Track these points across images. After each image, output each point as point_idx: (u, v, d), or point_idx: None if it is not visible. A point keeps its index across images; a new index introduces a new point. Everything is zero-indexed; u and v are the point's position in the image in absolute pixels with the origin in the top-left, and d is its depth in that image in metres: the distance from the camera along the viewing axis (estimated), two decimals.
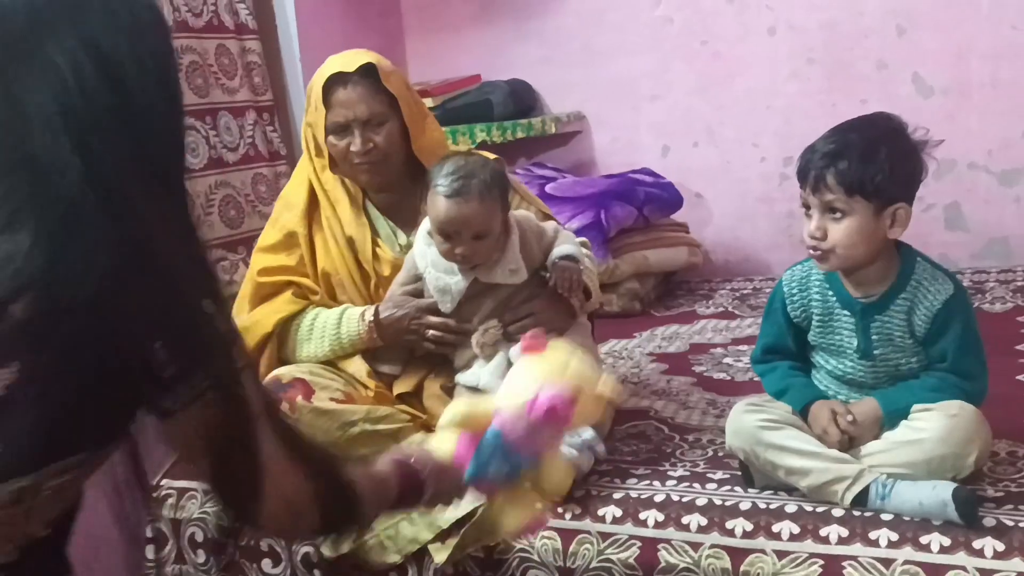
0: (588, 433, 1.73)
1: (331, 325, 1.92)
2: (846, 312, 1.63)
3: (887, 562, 1.46)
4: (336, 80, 1.87)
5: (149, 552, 1.99)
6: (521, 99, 3.24)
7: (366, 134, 1.88)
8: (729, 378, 2.28)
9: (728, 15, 3.19)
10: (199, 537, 1.95)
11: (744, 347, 2.46)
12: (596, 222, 2.70)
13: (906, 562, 1.45)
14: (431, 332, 1.86)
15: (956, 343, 1.57)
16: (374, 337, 1.89)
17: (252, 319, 1.93)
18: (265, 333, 1.92)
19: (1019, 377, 2.10)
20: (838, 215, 1.54)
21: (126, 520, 2.26)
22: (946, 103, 2.98)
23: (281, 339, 1.95)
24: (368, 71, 1.89)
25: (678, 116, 3.29)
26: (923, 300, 1.58)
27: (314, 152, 1.97)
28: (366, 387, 1.89)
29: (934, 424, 1.52)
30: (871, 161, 1.51)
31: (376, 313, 1.89)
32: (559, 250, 1.87)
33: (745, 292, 3.06)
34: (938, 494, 1.48)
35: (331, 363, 1.94)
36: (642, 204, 2.92)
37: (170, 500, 1.99)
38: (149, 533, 1.99)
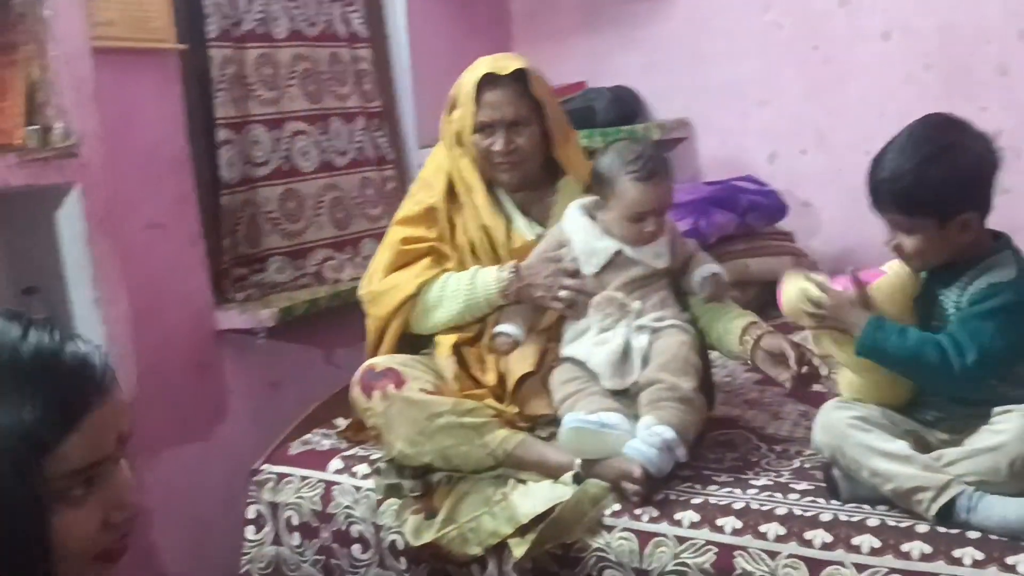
0: (669, 433, 1.73)
1: (464, 283, 1.98)
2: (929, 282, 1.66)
3: None
4: (487, 81, 1.98)
5: (249, 533, 2.09)
6: (625, 105, 3.24)
7: (509, 135, 1.98)
8: (826, 391, 2.23)
9: (840, 19, 3.12)
10: (294, 520, 2.04)
11: None
12: (694, 229, 2.68)
13: None
14: (563, 292, 1.90)
15: (975, 316, 1.54)
16: (510, 290, 1.94)
17: (390, 283, 2.01)
18: (407, 295, 1.99)
19: None
20: (906, 231, 1.58)
21: (235, 504, 2.38)
22: None
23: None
24: (518, 76, 1.99)
25: (786, 122, 3.23)
26: (979, 279, 1.57)
27: (453, 143, 2.07)
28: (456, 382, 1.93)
29: (1014, 424, 1.48)
30: (925, 182, 1.53)
31: (516, 267, 1.95)
32: (712, 267, 1.98)
33: None
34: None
35: (422, 359, 2.00)
36: (744, 212, 2.88)
37: (269, 484, 2.09)
38: (250, 515, 2.09)
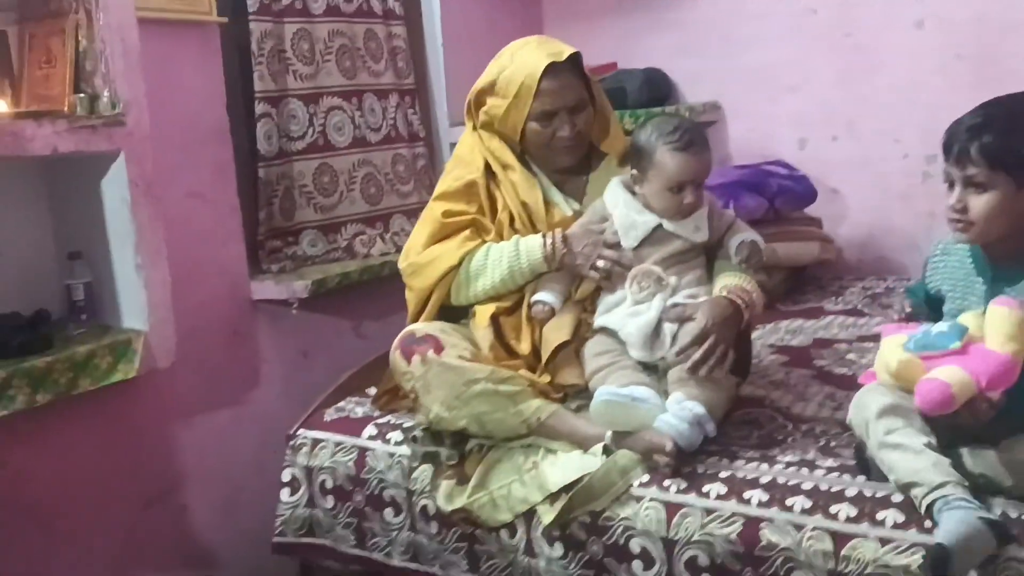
0: (699, 408, 1.77)
1: (508, 250, 2.00)
2: (979, 279, 1.64)
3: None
4: (549, 70, 1.98)
5: (284, 495, 2.14)
6: (656, 87, 3.26)
7: (573, 120, 2.00)
8: (851, 373, 2.26)
9: (874, 7, 3.12)
10: (328, 484, 2.09)
11: (870, 344, 2.42)
12: None
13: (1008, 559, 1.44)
14: (601, 262, 1.93)
15: None
16: (554, 255, 1.97)
17: (433, 254, 2.04)
18: (450, 266, 2.02)
19: None
20: (980, 189, 1.54)
21: (265, 468, 2.43)
22: None
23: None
24: (575, 60, 2.02)
25: (817, 108, 3.24)
26: None
27: (479, 127, 2.10)
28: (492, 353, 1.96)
29: None
30: (1016, 135, 1.51)
31: (562, 234, 1.98)
32: (748, 234, 1.97)
33: (877, 291, 3.00)
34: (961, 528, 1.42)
35: (459, 328, 2.03)
36: (774, 196, 2.90)
37: (304, 448, 2.14)
38: (285, 478, 2.14)
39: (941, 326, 1.56)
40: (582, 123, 2.03)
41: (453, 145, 3.08)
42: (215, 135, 2.43)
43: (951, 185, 1.59)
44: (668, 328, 1.87)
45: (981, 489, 1.55)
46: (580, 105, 2.02)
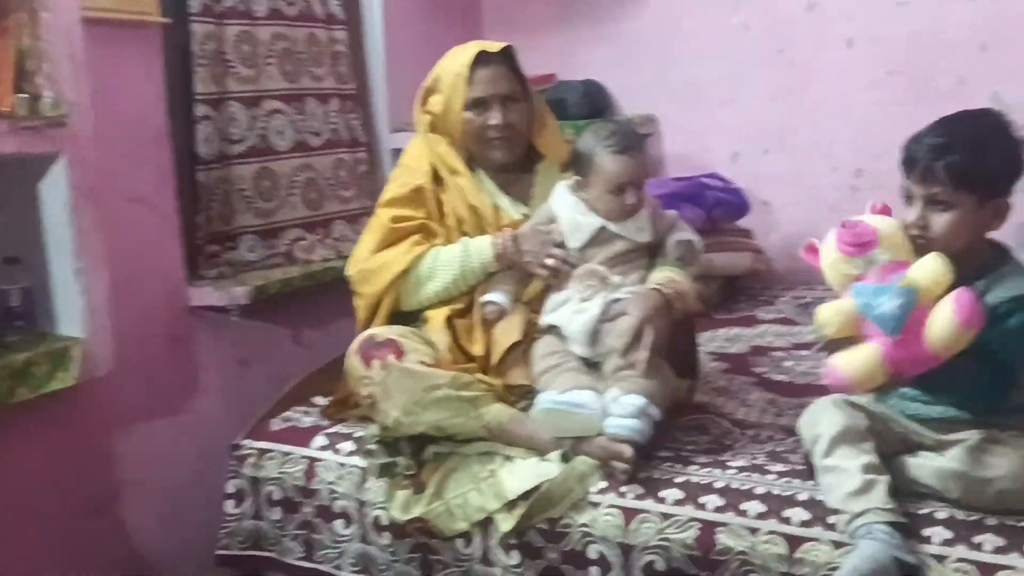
0: (639, 399, 1.79)
1: (458, 251, 2.02)
2: None
3: (940, 558, 1.51)
4: (479, 59, 2.03)
5: (228, 507, 2.09)
6: (595, 100, 3.31)
7: (504, 110, 2.02)
8: (789, 380, 2.33)
9: (806, 24, 3.22)
10: (276, 495, 2.05)
11: (805, 352, 2.50)
12: None
13: (959, 559, 1.50)
14: (550, 260, 1.96)
15: (1002, 336, 1.53)
16: (504, 254, 1.98)
17: (381, 260, 2.04)
18: (401, 270, 2.02)
19: None
20: (942, 207, 1.57)
21: (204, 478, 2.38)
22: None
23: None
24: (508, 54, 2.05)
25: (750, 122, 3.33)
26: (997, 289, 1.58)
27: (428, 130, 2.11)
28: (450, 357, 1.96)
29: (1009, 463, 1.54)
30: (980, 155, 1.54)
31: (511, 233, 2.00)
32: (686, 234, 2.02)
33: (807, 301, 3.08)
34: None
35: (416, 331, 2.02)
36: (710, 208, 2.97)
37: (250, 459, 2.10)
38: (230, 489, 2.09)
39: (892, 296, 1.48)
40: (515, 116, 2.05)
41: (395, 151, 3.10)
42: (156, 138, 2.37)
43: (909, 200, 1.62)
44: (607, 325, 1.90)
45: (926, 497, 1.61)
46: (512, 96, 2.05)
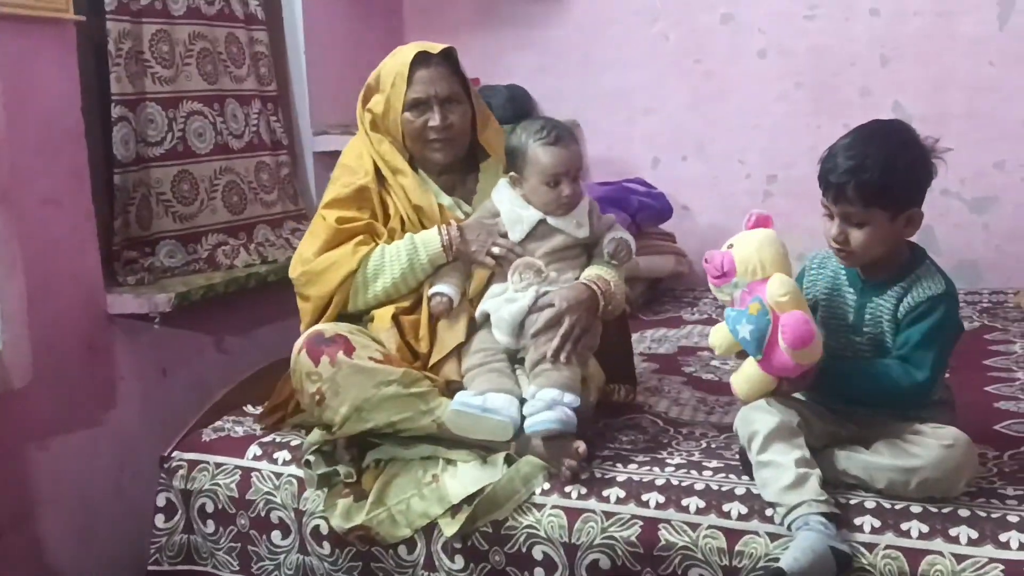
0: (552, 392, 1.80)
1: (404, 246, 1.99)
2: (850, 290, 1.75)
3: (870, 547, 1.57)
4: (419, 60, 2.01)
5: (159, 521, 2.02)
6: (519, 104, 3.32)
7: (444, 111, 2.01)
8: (717, 379, 2.38)
9: (722, 36, 3.31)
10: (209, 508, 1.99)
11: None
12: None
13: (887, 547, 1.56)
14: (497, 248, 1.96)
15: (920, 335, 1.64)
16: (451, 244, 1.97)
17: (329, 260, 1.99)
18: (349, 270, 1.98)
19: (986, 388, 2.23)
20: (857, 223, 1.64)
21: (124, 492, 2.29)
22: (923, 131, 3.08)
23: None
24: (448, 54, 2.04)
25: (670, 129, 3.40)
26: (914, 290, 1.67)
27: (369, 128, 2.08)
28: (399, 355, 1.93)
29: (932, 454, 1.60)
30: (889, 174, 1.61)
31: (457, 225, 1.99)
32: (621, 233, 2.03)
33: None
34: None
35: (363, 329, 1.99)
36: (635, 212, 3.01)
37: (180, 471, 2.03)
38: (160, 503, 2.02)
39: (746, 321, 1.62)
40: (456, 117, 2.04)
41: (318, 154, 3.05)
42: (70, 138, 2.27)
43: (829, 215, 1.68)
44: (531, 317, 1.91)
45: (854, 488, 1.67)
46: (453, 97, 2.04)
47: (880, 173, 1.60)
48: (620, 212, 2.93)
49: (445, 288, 1.97)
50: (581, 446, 1.77)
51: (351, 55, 3.21)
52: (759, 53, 3.28)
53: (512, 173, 2.00)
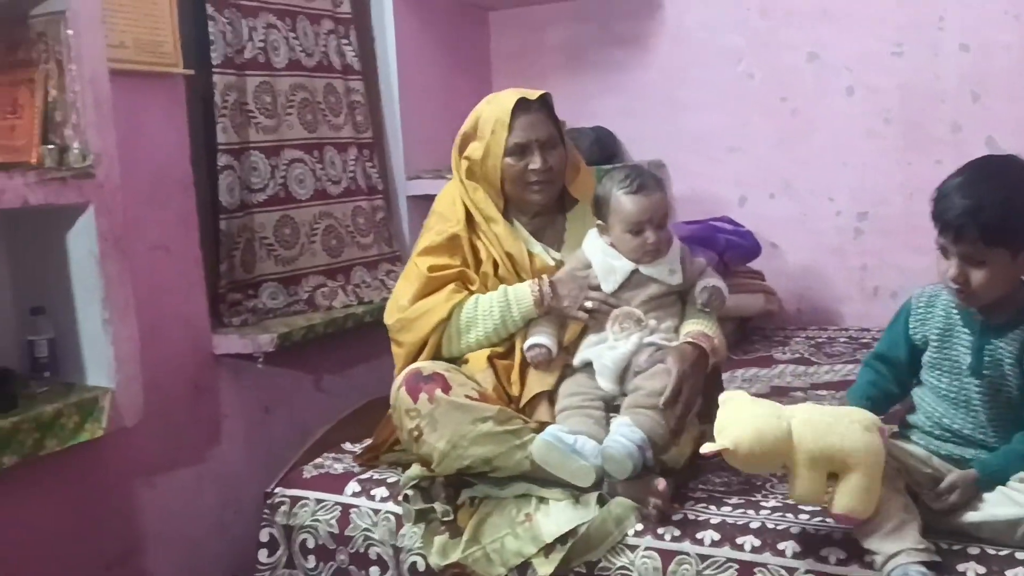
0: (637, 435, 1.81)
1: (497, 299, 2.03)
2: (966, 330, 1.72)
3: None
4: (520, 106, 2.08)
5: (262, 556, 2.08)
6: (605, 146, 3.36)
7: (544, 155, 2.06)
8: None
9: (808, 74, 3.31)
10: (310, 543, 2.05)
11: (823, 392, 2.53)
12: None
13: None
14: (589, 303, 1.99)
15: None
16: (542, 299, 2.00)
17: (422, 308, 2.05)
18: (440, 319, 2.03)
19: None
20: (977, 264, 1.61)
21: (227, 528, 2.37)
22: None
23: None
24: (545, 100, 2.11)
25: (756, 168, 3.40)
26: None
27: (465, 176, 2.14)
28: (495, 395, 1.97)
29: None
30: (1010, 215, 1.58)
31: (549, 280, 2.02)
32: (716, 281, 2.04)
33: (820, 340, 3.14)
34: None
35: (459, 368, 2.03)
36: (723, 251, 3.01)
37: (283, 507, 2.10)
38: (263, 538, 2.09)
39: None
40: (554, 160, 2.09)
41: (411, 198, 3.14)
42: (179, 187, 2.39)
43: (945, 254, 1.65)
44: (636, 365, 1.93)
45: (956, 534, 1.64)
46: (551, 141, 2.10)
47: (1000, 212, 1.57)
48: (708, 251, 2.94)
49: (543, 340, 2.00)
50: (661, 483, 1.78)
51: (442, 102, 3.30)
52: (847, 91, 3.26)
53: (599, 222, 2.03)
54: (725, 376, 2.71)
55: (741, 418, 1.62)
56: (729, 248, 3.04)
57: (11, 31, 2.08)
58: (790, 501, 1.82)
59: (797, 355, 2.99)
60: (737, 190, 3.44)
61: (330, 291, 2.78)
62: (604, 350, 1.95)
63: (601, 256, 2.02)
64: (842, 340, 3.12)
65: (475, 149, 2.12)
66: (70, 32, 2.01)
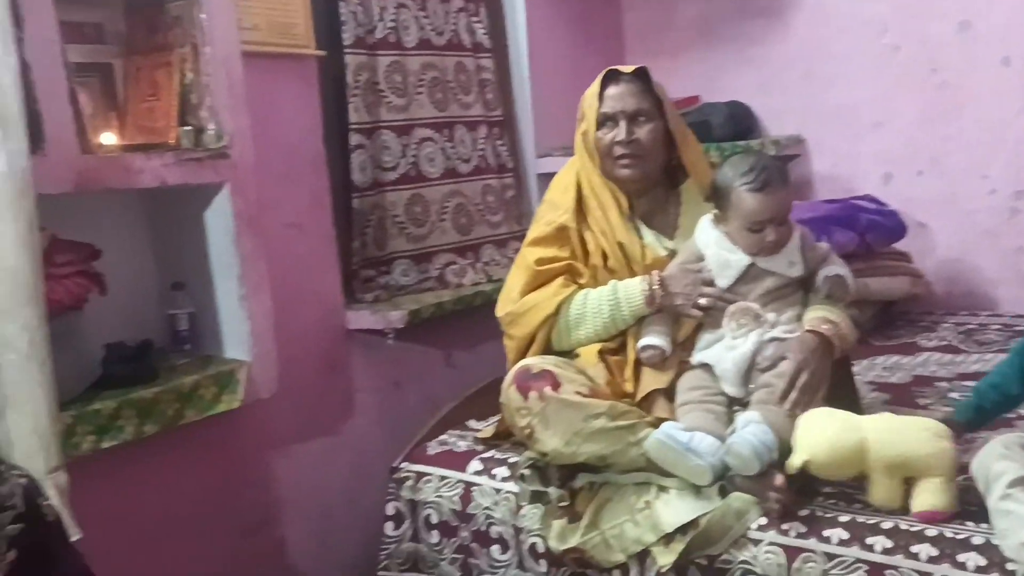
0: (768, 436, 1.74)
1: (607, 296, 2.01)
2: None
3: None
4: (610, 77, 2.05)
5: (388, 529, 2.13)
6: (740, 121, 3.25)
7: (631, 127, 2.02)
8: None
9: (958, 44, 3.10)
10: (433, 519, 2.08)
11: (971, 383, 2.38)
12: None
13: None
14: (703, 300, 1.93)
15: None
16: (653, 298, 1.96)
17: (530, 303, 2.04)
18: (547, 315, 2.02)
19: None
20: None
21: (357, 499, 2.43)
22: None
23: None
24: (640, 74, 2.05)
25: (901, 144, 3.22)
26: None
27: (584, 154, 2.11)
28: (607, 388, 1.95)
29: None
30: None
31: (659, 276, 1.98)
32: (835, 268, 1.94)
33: (971, 327, 2.96)
34: None
35: (570, 362, 2.01)
36: (864, 231, 2.87)
37: (408, 482, 2.13)
38: (389, 511, 2.13)
39: None
40: (643, 133, 2.02)
41: (542, 176, 3.12)
42: (312, 166, 2.45)
43: None
44: (759, 361, 1.86)
45: None
46: (640, 114, 2.03)
47: None
48: (847, 231, 2.81)
49: (657, 341, 1.95)
50: (780, 478, 1.71)
51: (573, 79, 3.24)
52: (1002, 61, 3.03)
53: (716, 211, 1.96)
54: (863, 364, 2.63)
55: (816, 432, 1.71)
56: (871, 228, 2.90)
57: (151, 16, 2.17)
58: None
59: (944, 342, 2.83)
60: (881, 167, 3.26)
61: (460, 268, 2.81)
62: (723, 352, 1.89)
63: (715, 249, 1.94)
64: (995, 327, 2.93)
65: (580, 130, 2.11)
66: (204, 16, 2.07)
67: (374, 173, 2.63)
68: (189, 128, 2.10)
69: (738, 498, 1.77)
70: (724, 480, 1.79)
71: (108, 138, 2.12)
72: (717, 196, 1.94)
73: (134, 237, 2.21)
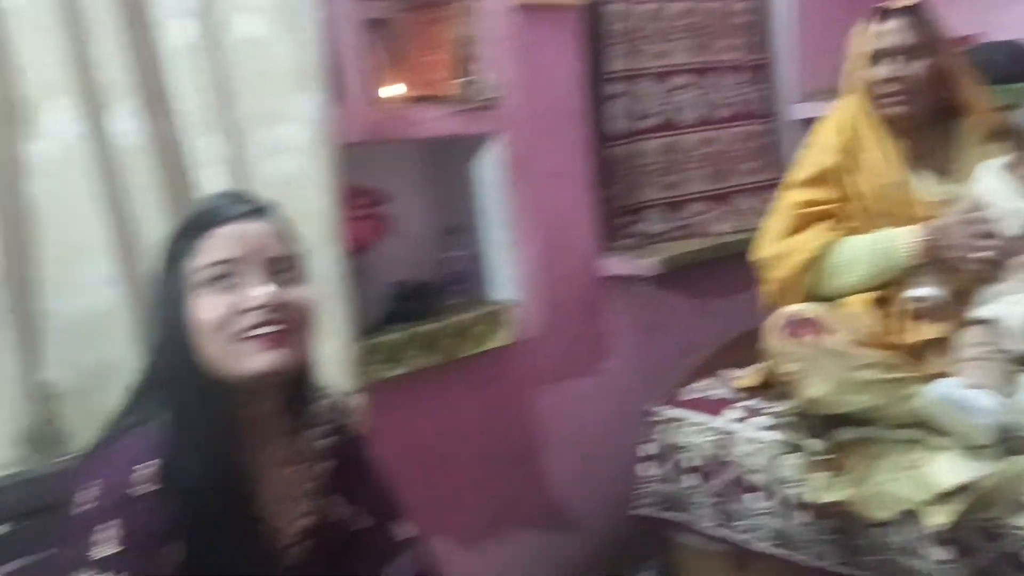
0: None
1: (877, 245, 1.95)
2: None
3: None
4: (876, 14, 1.98)
5: (643, 469, 2.20)
6: (1022, 61, 2.99)
7: (902, 63, 1.94)
8: None
9: None
10: (688, 463, 2.12)
11: None
12: None
13: None
14: (984, 253, 1.85)
15: None
16: (926, 251, 1.90)
17: (790, 246, 2.02)
18: (808, 258, 1.98)
19: None
20: None
21: (614, 438, 2.51)
22: None
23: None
24: (912, 9, 1.96)
25: None
26: None
27: (857, 94, 2.05)
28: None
29: None
30: None
31: (932, 227, 1.91)
32: None
33: None
34: None
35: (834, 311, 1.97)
36: None
37: (663, 425, 2.18)
38: (645, 452, 2.20)
39: None
40: (913, 70, 1.93)
41: (801, 122, 3.02)
42: (573, 116, 2.51)
43: None
44: None
45: None
46: (906, 50, 1.93)
47: None
48: None
49: (931, 291, 1.88)
50: None
51: (840, 20, 3.10)
52: None
53: (1010, 157, 1.84)
54: None
55: None
56: None
57: None
58: None
59: None
60: None
61: (712, 217, 2.79)
62: (1010, 307, 1.78)
63: (1003, 195, 1.83)
64: None
65: (851, 63, 2.04)
66: None
67: (629, 122, 2.66)
68: (466, 80, 2.21)
69: (1016, 462, 1.68)
70: (1005, 441, 1.71)
71: (392, 91, 2.27)
72: (1018, 139, 1.83)
73: (415, 185, 2.36)
